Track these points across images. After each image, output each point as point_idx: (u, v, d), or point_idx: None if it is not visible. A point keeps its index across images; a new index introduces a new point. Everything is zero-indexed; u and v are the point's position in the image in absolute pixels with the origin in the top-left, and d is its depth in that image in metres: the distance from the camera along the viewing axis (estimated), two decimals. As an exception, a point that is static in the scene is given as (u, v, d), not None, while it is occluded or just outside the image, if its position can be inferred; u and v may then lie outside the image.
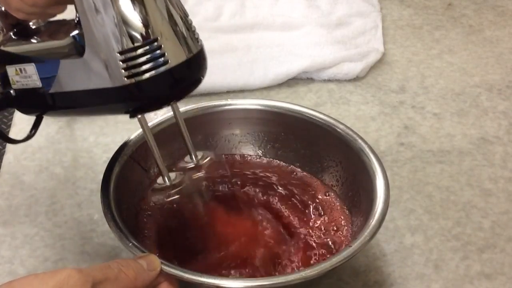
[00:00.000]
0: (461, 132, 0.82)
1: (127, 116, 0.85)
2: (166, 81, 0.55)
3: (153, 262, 0.55)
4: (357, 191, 0.66)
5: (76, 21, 0.56)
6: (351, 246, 0.56)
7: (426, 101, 0.87)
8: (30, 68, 0.58)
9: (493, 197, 0.73)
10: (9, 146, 0.80)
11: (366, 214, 0.60)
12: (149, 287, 0.55)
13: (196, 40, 0.56)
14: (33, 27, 0.62)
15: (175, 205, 0.63)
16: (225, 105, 0.72)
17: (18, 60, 0.58)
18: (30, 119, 0.83)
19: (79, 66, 0.55)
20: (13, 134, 0.81)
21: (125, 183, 0.65)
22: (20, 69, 0.58)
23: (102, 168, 0.64)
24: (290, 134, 0.71)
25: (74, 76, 0.56)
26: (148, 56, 0.53)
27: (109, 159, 0.65)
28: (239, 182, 0.69)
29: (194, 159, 0.65)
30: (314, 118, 0.70)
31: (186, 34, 0.55)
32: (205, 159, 0.65)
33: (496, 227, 0.70)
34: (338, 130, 0.68)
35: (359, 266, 0.66)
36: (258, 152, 0.73)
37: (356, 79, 0.91)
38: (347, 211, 0.66)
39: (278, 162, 0.72)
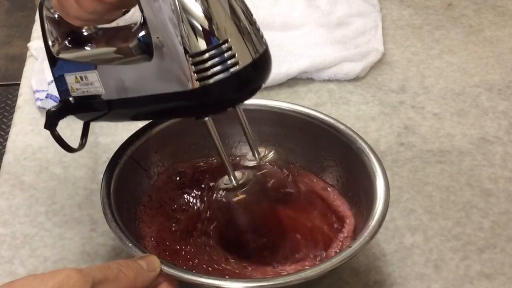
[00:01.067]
0: (461, 132, 0.82)
1: (127, 116, 0.85)
2: (235, 83, 0.54)
3: (153, 263, 0.55)
4: (357, 191, 0.66)
5: (140, 24, 0.55)
6: (351, 247, 0.56)
7: (426, 101, 0.87)
8: (92, 75, 0.57)
9: (493, 197, 0.73)
10: (9, 146, 0.80)
11: (366, 215, 0.60)
12: (149, 287, 0.55)
13: (262, 38, 0.56)
14: (86, 34, 0.61)
15: (238, 205, 0.62)
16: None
17: (78, 68, 0.58)
18: (30, 119, 0.83)
19: (146, 70, 0.54)
20: (13, 134, 0.81)
21: (125, 183, 0.65)
22: (81, 77, 0.58)
23: (102, 168, 0.64)
24: (290, 134, 0.71)
25: (140, 81, 0.55)
26: (218, 58, 0.53)
27: (109, 159, 0.65)
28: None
29: (256, 156, 0.64)
30: (314, 118, 0.70)
31: (252, 32, 0.55)
32: (267, 156, 0.64)
33: (496, 227, 0.70)
34: (339, 130, 0.68)
35: (359, 266, 0.66)
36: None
37: (356, 79, 0.91)
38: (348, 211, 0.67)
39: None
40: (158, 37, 0.52)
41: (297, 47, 0.93)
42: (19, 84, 0.90)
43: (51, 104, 0.83)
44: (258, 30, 0.56)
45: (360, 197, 0.65)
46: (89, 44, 0.60)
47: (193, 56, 0.52)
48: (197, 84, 0.53)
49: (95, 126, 0.82)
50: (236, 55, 0.53)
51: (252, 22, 0.56)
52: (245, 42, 0.54)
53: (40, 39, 0.94)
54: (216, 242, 0.63)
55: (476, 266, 0.66)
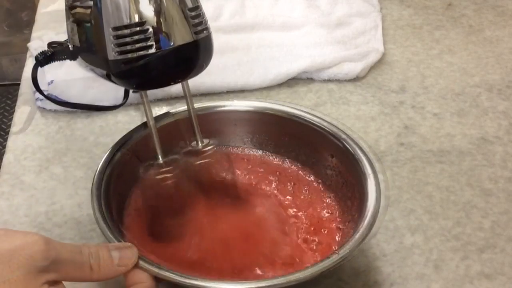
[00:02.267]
0: (461, 132, 0.82)
1: (127, 116, 0.85)
2: (147, 64, 0.58)
3: (127, 258, 0.54)
4: (352, 194, 0.66)
5: None
6: (338, 253, 0.57)
7: (426, 101, 0.87)
8: (75, 28, 0.64)
9: (493, 197, 0.73)
10: (9, 146, 0.80)
11: (357, 218, 0.61)
12: (129, 282, 0.55)
13: (194, 31, 0.60)
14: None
15: (162, 184, 0.65)
16: (227, 105, 0.73)
17: (68, 19, 0.65)
18: (30, 119, 0.83)
19: (90, 32, 0.61)
20: (13, 134, 0.81)
21: (120, 174, 0.65)
22: (72, 28, 0.65)
23: (102, 168, 0.64)
24: (290, 136, 0.72)
25: (86, 40, 0.62)
26: (135, 37, 0.58)
27: (108, 151, 0.66)
28: (235, 174, 0.70)
29: (199, 144, 0.67)
30: (311, 121, 0.70)
31: (181, 23, 0.59)
32: (209, 146, 0.68)
33: (496, 227, 0.70)
34: (338, 135, 0.68)
35: (359, 266, 0.66)
36: (258, 152, 0.73)
37: (356, 79, 0.91)
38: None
39: (280, 163, 0.72)
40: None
41: (297, 47, 0.93)
42: (19, 84, 0.90)
43: (51, 104, 0.83)
44: (195, 20, 0.60)
45: (354, 202, 0.65)
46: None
47: (114, 28, 0.58)
48: (116, 56, 0.58)
49: (95, 126, 0.82)
50: (151, 39, 0.58)
51: (187, 13, 0.59)
52: (169, 31, 0.59)
53: (40, 39, 0.95)
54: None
55: (476, 266, 0.66)
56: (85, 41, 0.62)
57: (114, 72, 0.60)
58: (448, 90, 0.89)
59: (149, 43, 0.58)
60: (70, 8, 0.65)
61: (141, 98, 0.63)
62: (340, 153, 0.68)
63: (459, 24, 1.03)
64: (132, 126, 0.70)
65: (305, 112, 0.71)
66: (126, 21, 0.58)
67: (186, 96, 0.67)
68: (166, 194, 0.65)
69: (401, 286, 0.64)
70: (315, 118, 0.70)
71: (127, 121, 0.83)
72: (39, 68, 0.88)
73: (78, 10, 0.63)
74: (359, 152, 0.66)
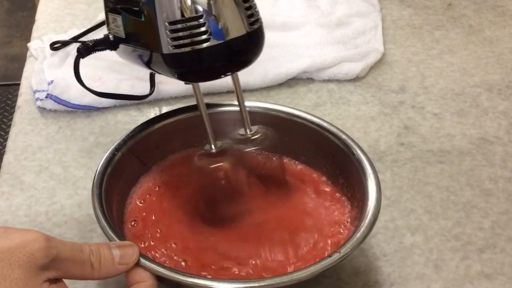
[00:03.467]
0: (461, 132, 0.82)
1: (127, 116, 0.85)
2: (202, 58, 0.59)
3: (128, 256, 0.54)
4: (352, 194, 0.66)
5: None
6: (331, 256, 0.57)
7: (426, 101, 0.87)
8: (119, 19, 0.64)
9: (493, 197, 0.73)
10: (9, 146, 0.80)
11: (357, 219, 0.61)
12: (131, 281, 0.54)
13: (249, 21, 0.60)
14: None
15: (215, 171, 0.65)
16: (227, 105, 0.73)
17: (115, 10, 0.64)
18: (30, 119, 0.83)
19: (139, 25, 0.61)
20: (13, 134, 0.81)
21: (120, 173, 0.66)
22: (114, 18, 0.64)
23: (102, 168, 0.64)
24: (290, 137, 0.72)
25: (135, 34, 0.63)
26: (190, 31, 0.58)
27: (108, 151, 0.66)
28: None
29: (248, 132, 0.67)
30: (311, 121, 0.70)
31: (236, 14, 0.59)
32: (258, 134, 0.68)
33: (496, 227, 0.70)
34: (338, 135, 0.68)
35: (359, 266, 0.66)
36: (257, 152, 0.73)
37: (356, 79, 0.91)
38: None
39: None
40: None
41: (297, 47, 0.93)
42: (19, 84, 0.90)
43: (51, 104, 0.84)
44: (248, 12, 0.60)
45: (354, 198, 0.65)
46: None
47: (170, 23, 0.58)
48: (169, 50, 0.58)
49: (95, 126, 0.82)
50: (208, 32, 0.58)
51: (241, 4, 0.59)
52: (222, 21, 0.59)
53: (40, 39, 0.95)
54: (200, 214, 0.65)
55: (476, 266, 0.66)
56: (133, 34, 0.63)
57: (169, 65, 0.60)
58: (448, 90, 0.89)
59: (204, 36, 0.58)
60: None
61: (193, 89, 0.64)
62: (340, 153, 0.68)
63: (459, 24, 1.03)
64: (132, 126, 0.70)
65: (304, 112, 0.71)
66: (182, 15, 0.58)
67: (236, 87, 0.67)
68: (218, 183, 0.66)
69: (401, 286, 0.64)
70: (314, 118, 0.70)
71: (127, 121, 0.83)
72: (41, 67, 0.88)
73: (124, 1, 0.63)
74: (359, 152, 0.66)
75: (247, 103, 0.72)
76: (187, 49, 0.58)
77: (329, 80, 0.90)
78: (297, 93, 0.88)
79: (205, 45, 0.58)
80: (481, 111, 0.86)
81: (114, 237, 0.57)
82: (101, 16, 0.98)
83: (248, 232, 0.64)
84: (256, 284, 0.54)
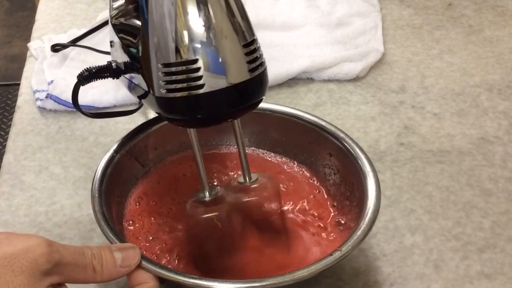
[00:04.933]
0: (461, 132, 0.82)
1: (127, 117, 0.85)
2: (195, 105, 0.55)
3: (129, 258, 0.54)
4: (352, 193, 0.66)
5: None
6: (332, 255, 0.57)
7: (426, 101, 0.87)
8: (120, 50, 0.61)
9: (493, 197, 0.73)
10: (9, 146, 0.80)
11: (357, 217, 0.61)
12: (133, 282, 0.54)
13: (249, 68, 0.55)
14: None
15: (207, 221, 0.61)
16: None
17: (116, 39, 0.62)
18: (30, 119, 0.83)
19: (137, 63, 0.57)
20: (13, 134, 0.81)
21: (119, 175, 0.66)
22: (116, 48, 0.62)
23: (102, 168, 0.64)
24: (289, 136, 0.72)
25: (130, 64, 0.59)
26: (184, 76, 0.53)
27: (107, 152, 0.66)
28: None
29: (247, 180, 0.64)
30: (310, 120, 0.70)
31: (237, 60, 0.54)
32: (257, 183, 0.64)
33: (496, 227, 0.70)
34: (336, 134, 0.68)
35: (359, 266, 0.66)
36: (257, 152, 0.73)
37: (356, 79, 0.91)
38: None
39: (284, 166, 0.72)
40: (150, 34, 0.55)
41: (297, 47, 0.93)
42: (19, 84, 0.90)
43: (51, 104, 0.84)
44: (251, 56, 0.55)
45: (354, 203, 0.65)
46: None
47: (163, 65, 0.53)
48: (164, 93, 0.54)
49: (95, 126, 0.82)
50: (204, 77, 0.53)
51: (242, 49, 0.55)
52: (221, 68, 0.54)
53: (40, 39, 0.95)
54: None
55: (476, 266, 0.66)
56: (130, 67, 0.59)
57: (161, 108, 0.56)
58: (448, 90, 0.89)
59: (200, 82, 0.53)
60: (114, 26, 0.62)
61: (189, 135, 0.60)
62: (339, 152, 0.68)
63: (459, 24, 1.03)
64: (132, 126, 0.70)
65: (303, 111, 0.71)
66: (176, 58, 0.53)
67: (236, 134, 0.62)
68: (212, 232, 0.62)
69: (401, 286, 0.64)
70: (313, 118, 0.70)
71: (127, 121, 0.83)
72: (41, 67, 0.88)
73: (124, 32, 0.60)
74: (357, 150, 0.66)
75: None
76: (180, 94, 0.54)
77: (329, 80, 0.90)
78: (297, 93, 0.88)
79: (198, 91, 0.53)
80: (481, 111, 0.86)
81: (115, 239, 0.57)
82: (101, 17, 0.98)
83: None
84: (257, 284, 0.54)
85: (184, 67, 0.53)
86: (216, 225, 0.61)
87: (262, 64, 0.57)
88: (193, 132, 0.60)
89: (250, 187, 0.63)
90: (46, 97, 0.83)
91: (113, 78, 0.62)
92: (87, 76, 0.61)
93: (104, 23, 0.93)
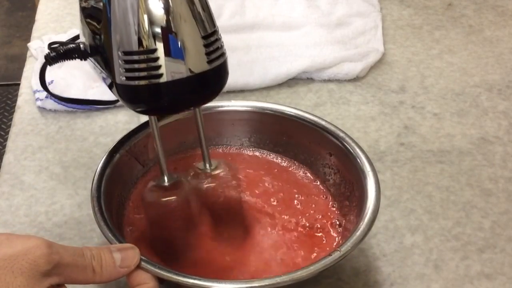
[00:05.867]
0: (461, 132, 0.82)
1: (127, 116, 0.85)
2: (155, 94, 0.55)
3: (129, 259, 0.54)
4: (351, 192, 0.66)
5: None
6: (340, 250, 0.57)
7: (426, 101, 0.87)
8: (86, 31, 0.61)
9: (493, 197, 0.73)
10: (9, 146, 0.80)
11: (357, 217, 0.61)
12: (132, 283, 0.54)
13: (208, 59, 0.56)
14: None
15: (166, 205, 0.63)
16: (225, 105, 0.73)
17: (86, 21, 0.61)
18: (30, 119, 0.83)
19: (101, 49, 0.58)
20: (13, 134, 0.81)
21: (119, 174, 0.66)
22: (83, 30, 0.62)
23: (102, 168, 0.64)
24: (288, 136, 0.72)
25: (95, 47, 0.60)
26: (145, 64, 0.54)
27: (107, 152, 0.66)
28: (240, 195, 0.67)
29: (207, 166, 0.65)
30: (309, 120, 0.70)
31: (194, 51, 0.55)
32: (218, 169, 0.65)
33: (496, 227, 0.70)
34: (336, 133, 0.68)
35: (359, 266, 0.66)
36: (256, 152, 0.73)
37: (356, 79, 0.91)
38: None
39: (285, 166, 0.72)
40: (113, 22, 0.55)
41: (297, 47, 0.93)
42: (19, 84, 0.90)
43: (51, 104, 0.84)
44: (210, 48, 0.56)
45: (354, 203, 0.65)
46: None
47: (124, 53, 0.54)
48: (121, 80, 0.55)
49: (95, 126, 0.82)
50: (162, 67, 0.54)
51: (202, 40, 0.56)
52: (181, 58, 0.55)
53: (40, 39, 0.95)
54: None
55: (476, 266, 0.66)
56: (95, 51, 0.60)
57: (121, 95, 0.57)
58: (448, 90, 0.89)
59: (159, 71, 0.54)
60: (83, 9, 0.62)
61: (149, 121, 0.61)
62: (338, 152, 0.68)
63: (459, 24, 1.03)
64: (132, 126, 0.70)
65: (303, 111, 0.71)
66: (136, 47, 0.54)
67: (198, 121, 0.63)
68: (170, 217, 0.63)
69: (401, 286, 0.64)
70: (313, 117, 0.70)
71: (127, 121, 0.83)
72: (39, 68, 0.88)
73: (90, 16, 0.60)
74: (357, 150, 0.66)
75: (246, 103, 0.73)
76: (139, 82, 0.55)
77: (329, 80, 0.90)
78: (297, 93, 0.88)
79: (157, 80, 0.54)
80: (481, 111, 0.86)
81: (114, 239, 0.57)
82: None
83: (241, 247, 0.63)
84: (256, 284, 0.54)
85: (143, 56, 0.54)
86: (173, 209, 0.62)
87: (222, 55, 0.58)
88: (153, 119, 0.61)
89: (210, 173, 0.65)
90: (46, 97, 0.83)
91: (81, 60, 0.63)
92: (55, 56, 0.62)
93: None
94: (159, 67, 0.54)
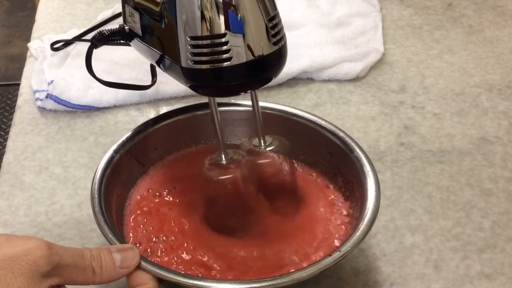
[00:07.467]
0: (461, 132, 0.82)
1: (127, 116, 0.85)
2: (223, 76, 0.57)
3: (128, 259, 0.54)
4: (351, 192, 0.66)
5: None
6: (340, 251, 0.57)
7: (426, 101, 0.87)
8: (136, 16, 0.62)
9: (493, 197, 0.73)
10: (9, 146, 0.80)
11: (357, 217, 0.61)
12: (132, 283, 0.54)
13: (272, 41, 0.58)
14: None
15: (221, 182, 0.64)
16: (224, 105, 0.73)
17: (133, 6, 0.63)
18: (30, 119, 0.83)
19: (160, 30, 0.59)
20: (13, 134, 0.81)
21: (119, 175, 0.66)
22: (131, 12, 0.63)
23: (102, 168, 0.64)
24: (288, 135, 0.72)
25: (155, 37, 0.61)
26: (214, 49, 0.56)
27: (107, 152, 0.66)
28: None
29: (262, 143, 0.67)
30: (309, 120, 0.70)
31: (261, 34, 0.57)
32: (272, 146, 0.67)
33: (496, 227, 0.70)
34: (336, 133, 0.68)
35: (359, 266, 0.66)
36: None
37: (356, 79, 0.91)
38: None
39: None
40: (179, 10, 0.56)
41: (297, 47, 0.93)
42: (19, 84, 0.90)
43: (51, 104, 0.84)
44: (273, 31, 0.58)
45: (353, 196, 0.65)
46: None
47: (191, 38, 0.55)
48: (187, 64, 0.57)
49: (95, 126, 0.82)
50: (231, 51, 0.56)
51: (267, 23, 0.58)
52: (248, 43, 0.56)
53: (40, 39, 0.95)
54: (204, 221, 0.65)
55: (476, 266, 0.66)
56: (151, 35, 0.61)
57: (187, 77, 0.58)
58: (448, 90, 0.89)
59: (227, 55, 0.56)
60: None
61: (209, 102, 0.62)
62: (339, 152, 0.68)
63: (459, 24, 1.03)
64: (132, 126, 0.70)
65: (303, 111, 0.71)
66: (204, 32, 0.55)
67: (253, 101, 0.65)
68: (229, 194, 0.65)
69: (401, 286, 0.64)
70: (313, 117, 0.70)
71: (127, 121, 0.83)
72: (41, 67, 0.88)
73: (144, 2, 0.61)
74: (357, 150, 0.66)
75: (246, 103, 0.72)
76: (207, 66, 0.56)
77: (329, 80, 0.90)
78: (297, 93, 0.88)
79: (226, 64, 0.56)
80: (481, 111, 0.86)
81: (114, 240, 0.57)
82: (101, 16, 0.98)
83: (252, 241, 0.63)
84: (256, 285, 0.54)
85: (212, 41, 0.56)
86: (230, 186, 0.63)
87: (283, 37, 0.60)
88: (212, 99, 0.62)
89: (265, 150, 0.67)
90: (46, 97, 0.83)
91: (125, 41, 0.64)
92: (100, 38, 0.65)
93: (104, 22, 0.93)
94: (227, 51, 0.56)
